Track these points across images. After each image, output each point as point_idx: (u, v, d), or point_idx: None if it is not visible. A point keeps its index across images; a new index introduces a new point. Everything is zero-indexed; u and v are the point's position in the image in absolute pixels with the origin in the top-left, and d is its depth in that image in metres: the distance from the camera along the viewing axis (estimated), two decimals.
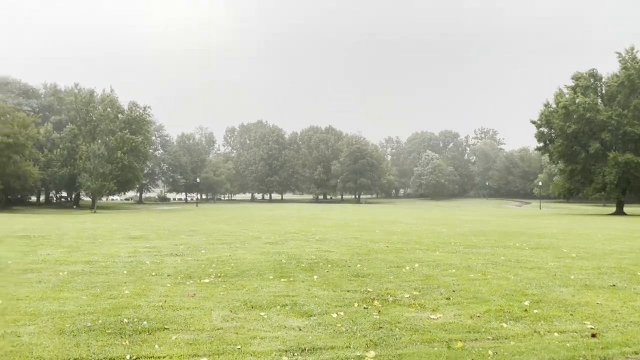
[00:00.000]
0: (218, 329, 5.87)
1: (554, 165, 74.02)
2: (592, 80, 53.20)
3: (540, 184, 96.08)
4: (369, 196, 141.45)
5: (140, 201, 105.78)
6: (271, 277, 9.33)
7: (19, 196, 67.98)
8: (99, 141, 63.50)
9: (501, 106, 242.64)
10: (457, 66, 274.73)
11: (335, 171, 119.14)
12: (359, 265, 10.84)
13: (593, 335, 5.63)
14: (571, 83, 54.41)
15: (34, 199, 77.54)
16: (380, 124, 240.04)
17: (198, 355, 4.96)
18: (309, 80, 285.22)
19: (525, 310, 6.75)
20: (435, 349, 5.19)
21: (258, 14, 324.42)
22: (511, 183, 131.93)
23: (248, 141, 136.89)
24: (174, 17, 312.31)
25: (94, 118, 65.40)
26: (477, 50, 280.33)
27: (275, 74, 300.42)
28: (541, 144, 57.55)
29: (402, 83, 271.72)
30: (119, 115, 67.23)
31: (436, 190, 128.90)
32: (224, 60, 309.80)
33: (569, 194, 56.85)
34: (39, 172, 58.45)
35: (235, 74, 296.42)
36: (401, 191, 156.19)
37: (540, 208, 77.56)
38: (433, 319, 6.33)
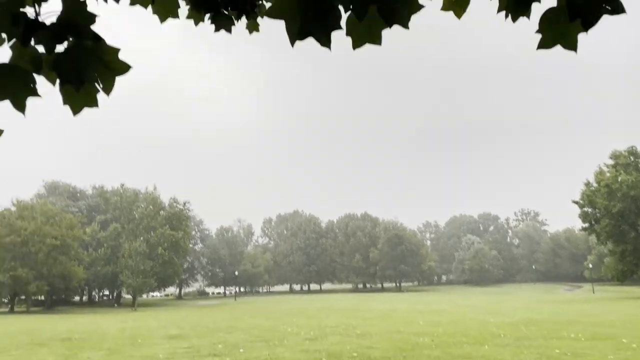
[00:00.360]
0: None
1: (603, 246, 70.83)
2: (631, 158, 52.26)
3: (590, 266, 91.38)
4: (410, 284, 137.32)
5: (179, 296, 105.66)
6: None
7: (63, 296, 69.14)
8: (141, 238, 65.17)
9: (539, 185, 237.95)
10: (490, 147, 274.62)
11: (374, 259, 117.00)
12: None
13: None
14: (610, 161, 53.56)
15: (77, 298, 78.65)
16: (415, 207, 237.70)
17: None
18: (340, 167, 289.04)
19: None
20: None
21: (284, 102, 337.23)
22: (559, 266, 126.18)
23: (285, 231, 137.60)
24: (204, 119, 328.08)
25: (136, 216, 67.72)
26: (508, 131, 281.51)
27: (306, 161, 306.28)
28: (586, 225, 55.55)
29: (434, 165, 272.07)
30: (161, 212, 69.39)
31: (480, 276, 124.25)
32: (257, 153, 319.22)
33: (623, 276, 53.82)
34: (84, 271, 59.75)
35: (268, 166, 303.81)
36: (443, 277, 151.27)
37: (593, 292, 73.23)
38: None
